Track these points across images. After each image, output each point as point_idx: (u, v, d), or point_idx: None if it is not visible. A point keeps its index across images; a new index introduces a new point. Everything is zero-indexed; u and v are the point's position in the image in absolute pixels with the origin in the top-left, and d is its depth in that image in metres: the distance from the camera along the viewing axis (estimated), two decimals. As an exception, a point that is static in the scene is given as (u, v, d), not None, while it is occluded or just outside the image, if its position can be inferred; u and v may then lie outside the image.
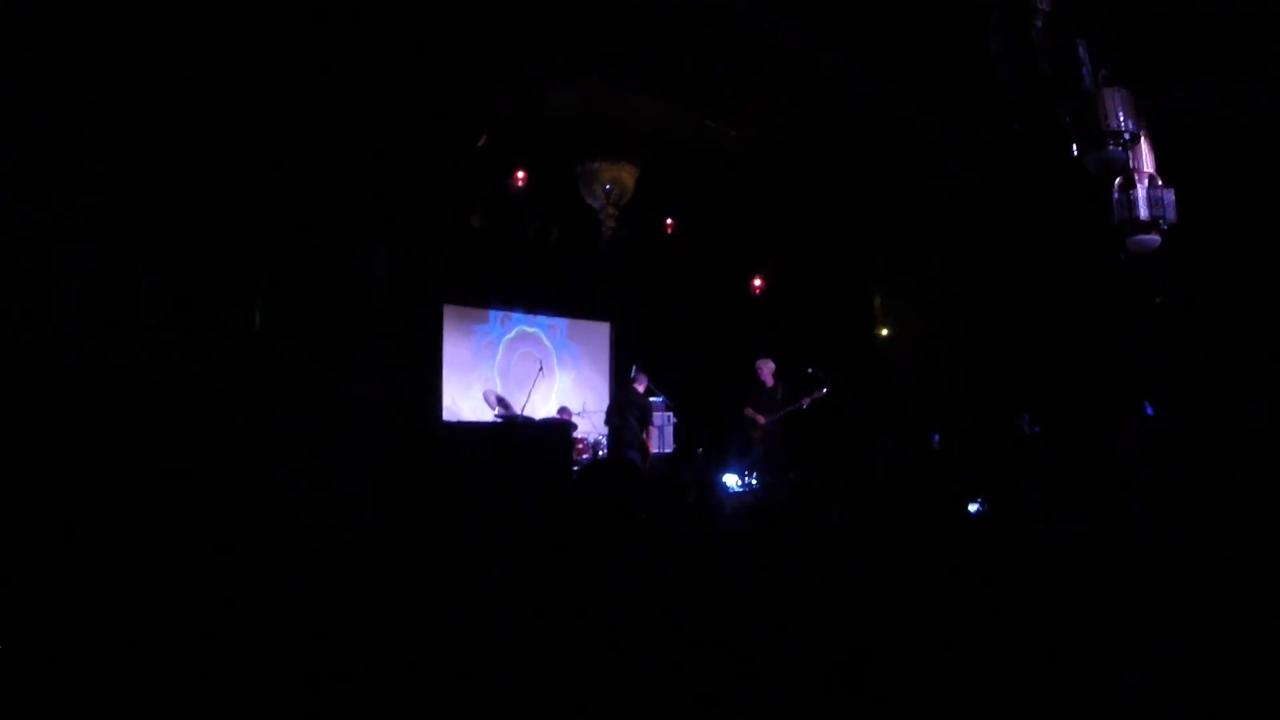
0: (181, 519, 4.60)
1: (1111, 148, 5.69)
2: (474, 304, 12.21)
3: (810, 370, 10.73)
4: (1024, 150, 7.85)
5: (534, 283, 12.28)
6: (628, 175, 10.28)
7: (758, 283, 12.98)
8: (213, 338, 5.24)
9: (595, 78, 8.11)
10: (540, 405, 11.52)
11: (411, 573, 4.71)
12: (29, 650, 3.59)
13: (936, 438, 10.43)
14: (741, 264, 12.88)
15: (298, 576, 4.64)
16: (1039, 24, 4.92)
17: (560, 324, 13.50)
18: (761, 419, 10.42)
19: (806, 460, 10.31)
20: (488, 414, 10.49)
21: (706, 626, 3.25)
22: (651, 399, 11.09)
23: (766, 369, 10.66)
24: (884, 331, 12.00)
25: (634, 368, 10.98)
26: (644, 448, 10.47)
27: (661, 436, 12.02)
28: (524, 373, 11.85)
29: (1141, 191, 6.25)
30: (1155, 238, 6.31)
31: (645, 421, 10.63)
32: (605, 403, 11.89)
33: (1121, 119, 5.63)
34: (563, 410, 11.64)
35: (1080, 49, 4.97)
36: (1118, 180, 6.26)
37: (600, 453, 11.26)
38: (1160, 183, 6.29)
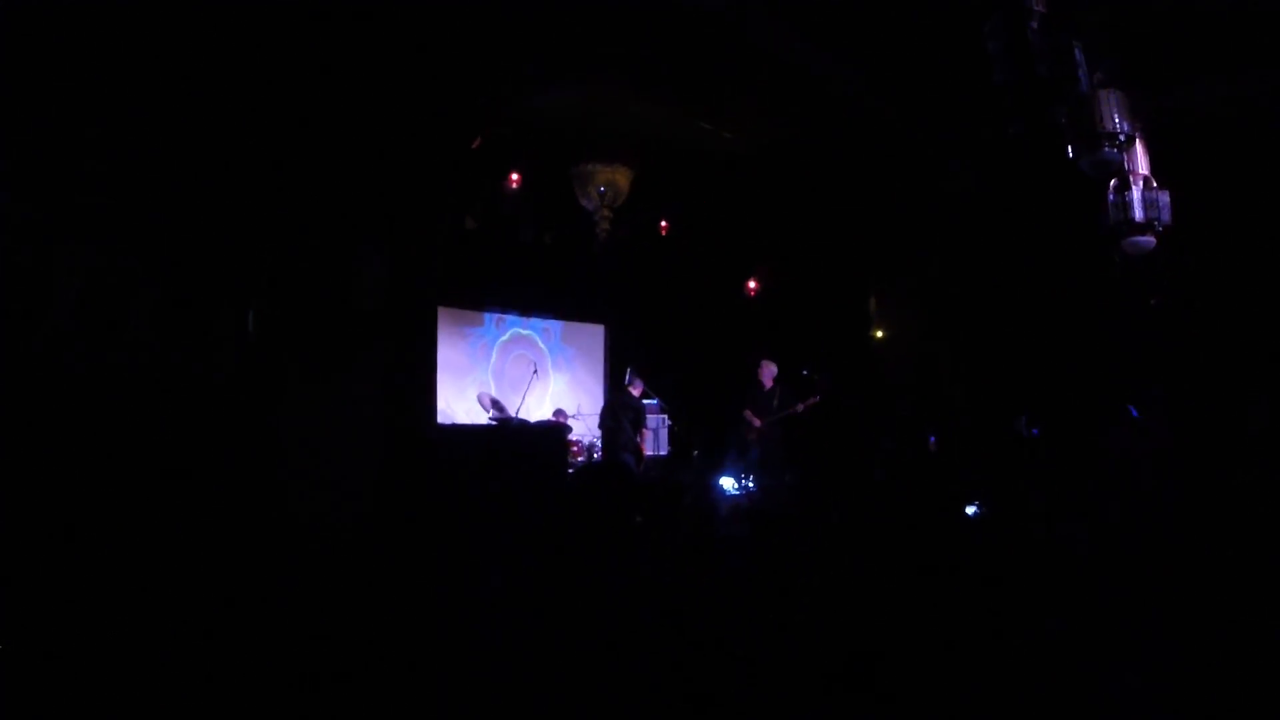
0: (180, 519, 4.60)
1: (1107, 150, 5.70)
2: (468, 306, 12.12)
3: (805, 372, 10.72)
4: (1021, 152, 7.86)
5: (528, 285, 12.22)
6: (622, 177, 10.27)
7: (752, 285, 12.97)
8: (211, 338, 5.24)
9: (589, 80, 8.11)
10: (535, 408, 11.48)
11: (409, 574, 4.73)
12: (29, 650, 3.59)
13: (934, 439, 10.43)
14: (737, 266, 12.86)
15: (296, 577, 4.64)
16: (1035, 25, 4.93)
17: (555, 326, 13.45)
18: (758, 421, 10.43)
19: (804, 462, 10.31)
20: (482, 417, 10.44)
21: (705, 627, 3.26)
22: (646, 402, 11.07)
23: (767, 371, 10.66)
24: (880, 333, 12.00)
25: (629, 371, 10.93)
26: (638, 451, 10.44)
27: (656, 439, 11.99)
28: (519, 375, 11.83)
29: (1137, 193, 6.27)
30: (1150, 239, 6.34)
31: (639, 424, 10.59)
32: (600, 405, 11.86)
33: (1117, 121, 5.65)
34: (559, 413, 11.60)
35: (1076, 51, 4.98)
36: (1113, 182, 6.29)
37: (595, 455, 11.24)
38: (1155, 185, 6.32)
